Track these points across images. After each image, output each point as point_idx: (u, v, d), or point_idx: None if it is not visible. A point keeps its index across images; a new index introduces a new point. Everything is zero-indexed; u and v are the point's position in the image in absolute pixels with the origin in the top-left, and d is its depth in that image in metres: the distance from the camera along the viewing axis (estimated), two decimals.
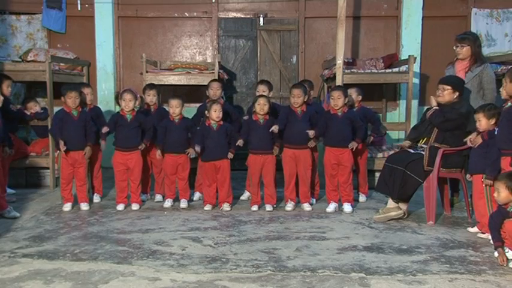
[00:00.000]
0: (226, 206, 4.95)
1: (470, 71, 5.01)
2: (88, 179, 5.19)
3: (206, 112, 4.98)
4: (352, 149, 4.82)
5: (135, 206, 5.00)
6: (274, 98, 7.40)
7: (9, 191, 5.23)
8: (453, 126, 4.48)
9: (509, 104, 3.89)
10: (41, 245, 3.79)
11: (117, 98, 5.32)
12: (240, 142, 4.91)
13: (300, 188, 5.03)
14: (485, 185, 3.97)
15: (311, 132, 4.82)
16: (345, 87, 5.02)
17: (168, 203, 5.09)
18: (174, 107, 5.06)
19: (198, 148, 4.90)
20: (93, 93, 5.52)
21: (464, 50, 5.04)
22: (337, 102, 4.82)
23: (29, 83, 6.99)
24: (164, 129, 5.08)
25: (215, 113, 4.92)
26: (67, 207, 4.94)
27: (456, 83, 4.61)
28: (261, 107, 4.91)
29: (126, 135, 5.01)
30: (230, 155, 4.94)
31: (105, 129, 5.01)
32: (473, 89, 4.98)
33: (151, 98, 5.41)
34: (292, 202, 5.00)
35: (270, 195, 4.99)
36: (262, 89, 5.37)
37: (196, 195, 5.40)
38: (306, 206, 4.96)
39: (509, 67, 5.09)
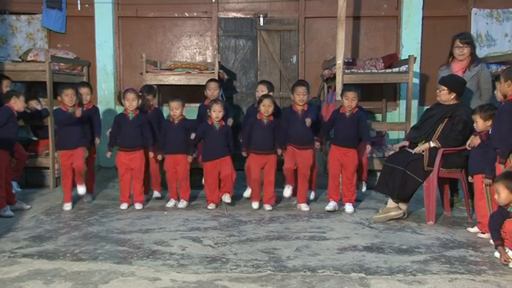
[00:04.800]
0: (227, 198, 4.94)
1: (469, 70, 5.04)
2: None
3: (208, 111, 5.01)
4: (356, 148, 4.87)
5: (138, 206, 4.99)
6: (274, 98, 7.40)
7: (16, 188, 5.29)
8: (465, 134, 4.45)
9: (502, 103, 3.91)
10: (41, 245, 3.79)
11: (120, 97, 5.33)
12: (243, 153, 5.00)
13: (299, 187, 5.03)
14: (485, 185, 3.98)
15: (308, 121, 4.78)
16: (357, 88, 5.01)
17: (171, 203, 5.09)
18: (174, 109, 5.06)
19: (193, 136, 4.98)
20: (90, 93, 5.43)
21: (466, 51, 5.07)
22: (351, 103, 4.83)
23: (29, 83, 6.99)
24: (164, 131, 5.08)
25: (214, 113, 4.94)
26: (67, 206, 4.96)
27: (452, 84, 4.61)
28: (266, 109, 4.91)
29: (128, 135, 5.02)
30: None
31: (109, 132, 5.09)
32: (472, 88, 5.00)
33: (149, 101, 5.43)
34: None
35: (269, 195, 5.00)
36: (261, 89, 5.38)
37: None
38: (304, 207, 4.96)
39: (507, 67, 5.10)
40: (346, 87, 5.22)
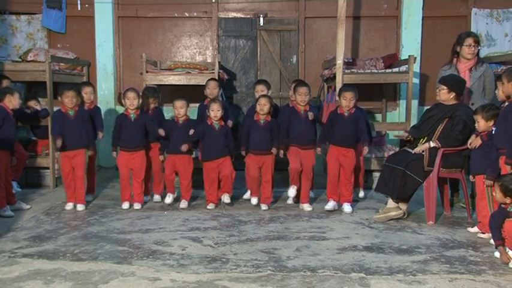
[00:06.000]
0: (226, 198, 4.95)
1: (475, 70, 5.05)
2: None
3: (207, 111, 5.01)
4: (355, 148, 4.86)
5: (137, 206, 5.00)
6: (274, 98, 7.41)
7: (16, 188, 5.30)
8: (465, 134, 4.45)
9: (506, 103, 3.90)
10: (41, 245, 3.79)
11: (120, 98, 5.33)
12: (242, 151, 4.98)
13: (302, 187, 5.02)
14: (486, 186, 3.97)
15: (310, 115, 4.86)
16: (355, 88, 5.02)
17: (169, 199, 5.09)
18: (179, 108, 5.06)
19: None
20: (93, 92, 5.51)
21: (477, 50, 5.09)
22: (349, 103, 4.81)
23: (29, 83, 6.99)
24: (168, 131, 5.08)
25: (212, 112, 4.94)
26: (69, 206, 4.96)
27: (452, 84, 4.61)
28: (261, 107, 4.92)
29: (131, 135, 5.02)
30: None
31: (100, 136, 5.14)
32: (479, 88, 5.01)
33: (151, 104, 5.45)
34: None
35: (266, 195, 5.00)
36: (260, 89, 5.39)
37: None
38: (306, 207, 4.96)
39: (508, 67, 5.10)
40: (344, 87, 5.20)
